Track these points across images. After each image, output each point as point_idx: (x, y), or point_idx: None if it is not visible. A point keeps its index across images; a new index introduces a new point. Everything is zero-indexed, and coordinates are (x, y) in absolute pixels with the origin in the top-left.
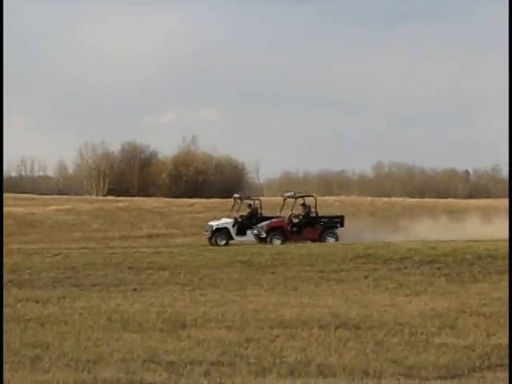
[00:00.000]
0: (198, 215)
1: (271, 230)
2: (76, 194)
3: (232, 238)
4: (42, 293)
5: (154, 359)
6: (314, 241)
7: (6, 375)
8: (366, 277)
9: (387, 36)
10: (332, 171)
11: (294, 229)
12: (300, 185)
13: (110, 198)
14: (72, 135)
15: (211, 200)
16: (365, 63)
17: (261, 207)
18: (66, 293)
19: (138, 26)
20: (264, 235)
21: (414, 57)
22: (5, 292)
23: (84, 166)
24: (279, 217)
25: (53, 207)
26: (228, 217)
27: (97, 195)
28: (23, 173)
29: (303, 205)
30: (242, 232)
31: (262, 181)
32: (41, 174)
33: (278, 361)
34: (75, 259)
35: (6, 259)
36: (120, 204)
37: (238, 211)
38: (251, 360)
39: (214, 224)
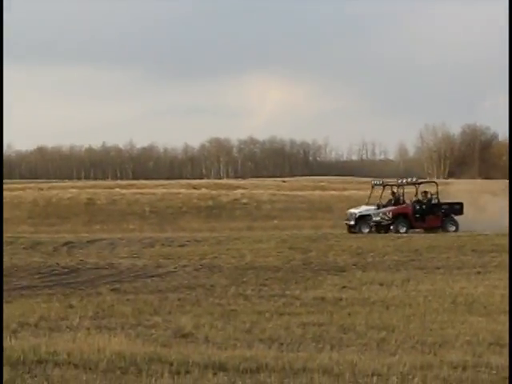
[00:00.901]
0: None
1: (396, 217)
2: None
3: None
4: (386, 276)
5: (500, 342)
6: (434, 228)
7: (354, 357)
8: None
9: None
10: None
11: (417, 216)
12: None
13: (450, 180)
14: (413, 118)
15: None
16: None
17: (403, 194)
18: (409, 275)
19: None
20: (389, 222)
21: None
22: (349, 275)
23: (424, 149)
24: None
25: None
26: (367, 204)
27: (437, 178)
28: (364, 157)
29: (425, 192)
30: None
31: None
32: (382, 157)
33: None
34: (418, 242)
35: (351, 242)
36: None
37: (380, 198)
38: None
39: (357, 211)
